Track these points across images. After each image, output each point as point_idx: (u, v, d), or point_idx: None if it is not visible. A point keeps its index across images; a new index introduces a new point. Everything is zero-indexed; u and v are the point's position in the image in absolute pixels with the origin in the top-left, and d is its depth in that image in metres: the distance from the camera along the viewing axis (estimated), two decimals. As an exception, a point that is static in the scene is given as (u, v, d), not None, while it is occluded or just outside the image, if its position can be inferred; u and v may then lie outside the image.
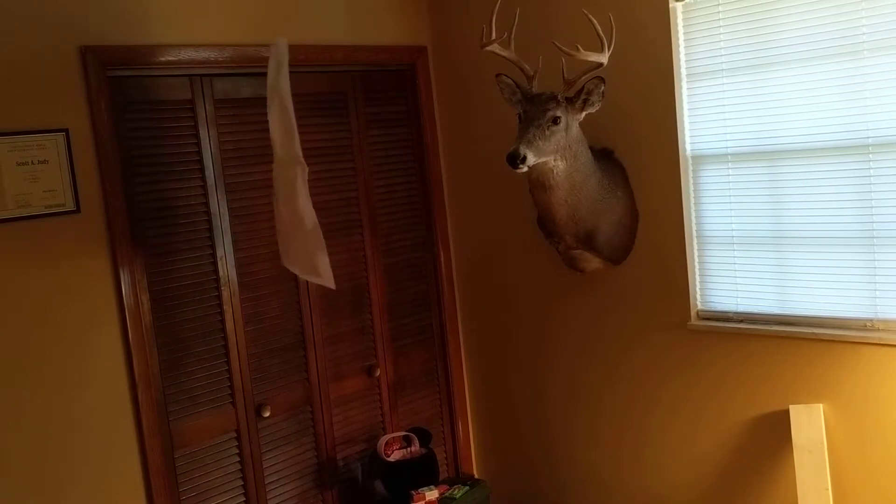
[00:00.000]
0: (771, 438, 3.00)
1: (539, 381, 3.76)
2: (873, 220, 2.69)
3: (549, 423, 3.75)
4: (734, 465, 3.13)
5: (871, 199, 2.69)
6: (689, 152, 3.09)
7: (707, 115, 3.02)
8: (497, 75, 2.91)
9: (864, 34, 2.62)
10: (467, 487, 3.46)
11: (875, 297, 2.73)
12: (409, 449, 3.54)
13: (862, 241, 2.73)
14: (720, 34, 2.94)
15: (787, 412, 2.91)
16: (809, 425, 2.85)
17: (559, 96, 2.82)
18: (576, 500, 3.71)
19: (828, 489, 2.80)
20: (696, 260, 3.15)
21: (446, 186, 3.93)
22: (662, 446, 3.35)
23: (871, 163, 2.67)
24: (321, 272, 2.76)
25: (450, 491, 3.42)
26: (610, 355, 3.45)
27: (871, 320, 2.74)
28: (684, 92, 3.06)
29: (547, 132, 2.77)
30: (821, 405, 2.85)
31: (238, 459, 3.23)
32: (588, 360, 3.53)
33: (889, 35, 2.57)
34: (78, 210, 2.79)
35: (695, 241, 3.14)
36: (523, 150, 2.71)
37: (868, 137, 2.66)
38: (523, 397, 3.84)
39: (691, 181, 3.11)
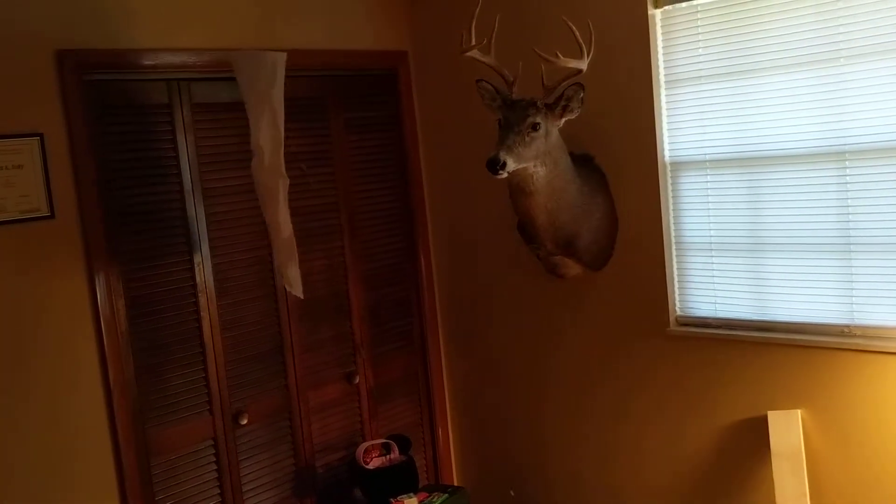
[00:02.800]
0: (749, 444, 3.01)
1: (519, 387, 3.75)
2: (850, 227, 2.71)
3: (530, 429, 3.75)
4: (713, 470, 3.14)
5: (848, 206, 2.70)
6: (667, 159, 3.10)
7: (686, 121, 3.04)
8: (477, 81, 2.91)
9: (841, 42, 2.64)
10: (447, 495, 3.44)
11: (852, 304, 2.75)
12: (388, 456, 3.52)
13: (839, 247, 2.75)
14: (699, 41, 2.95)
15: (765, 418, 2.92)
16: (788, 431, 2.86)
17: (539, 102, 2.81)
18: (556, 507, 3.71)
19: (806, 495, 2.81)
20: (675, 266, 3.15)
21: (427, 192, 3.92)
22: (642, 452, 3.35)
23: (847, 170, 2.69)
24: (291, 282, 2.83)
25: (429, 498, 3.41)
26: (590, 361, 3.45)
27: (847, 326, 2.76)
28: (663, 98, 3.07)
29: (527, 138, 2.77)
30: (799, 411, 2.86)
31: (215, 467, 3.19)
32: (568, 365, 3.53)
33: (866, 43, 2.59)
34: (52, 216, 2.75)
35: (673, 247, 3.15)
36: (503, 156, 2.71)
37: (845, 145, 2.68)
38: (504, 404, 3.83)
39: (670, 188, 3.12)
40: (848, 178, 2.69)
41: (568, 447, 3.61)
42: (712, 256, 3.06)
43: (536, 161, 2.83)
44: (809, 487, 2.83)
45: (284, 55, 2.70)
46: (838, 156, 2.70)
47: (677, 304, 3.17)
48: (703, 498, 3.18)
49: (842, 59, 2.65)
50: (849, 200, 2.70)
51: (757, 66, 2.82)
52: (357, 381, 3.66)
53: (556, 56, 2.70)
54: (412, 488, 3.44)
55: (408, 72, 3.82)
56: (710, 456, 3.14)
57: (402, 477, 3.46)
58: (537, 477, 3.75)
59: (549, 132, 2.85)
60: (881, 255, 2.67)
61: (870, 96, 2.61)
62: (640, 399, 3.31)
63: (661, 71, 3.05)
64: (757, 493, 3.00)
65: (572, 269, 3.32)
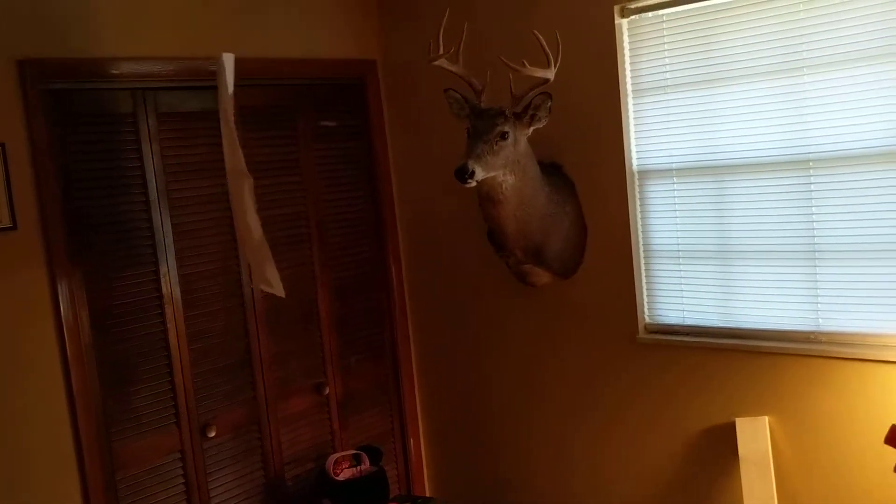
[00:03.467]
0: (718, 450, 3.02)
1: (491, 396, 3.74)
2: (814, 234, 2.74)
3: (501, 438, 3.74)
4: (682, 476, 3.15)
5: (812, 214, 2.74)
6: (635, 167, 3.12)
7: (652, 130, 3.06)
8: (445, 90, 2.91)
9: (804, 52, 2.67)
10: (418, 505, 3.43)
11: (817, 310, 2.78)
12: (358, 468, 3.49)
13: (804, 254, 2.78)
14: (665, 51, 2.97)
15: (733, 424, 2.94)
16: (755, 437, 2.88)
17: (507, 111, 2.82)
18: (527, 516, 3.70)
19: (774, 500, 2.83)
20: (644, 274, 3.17)
21: (397, 200, 3.91)
22: (612, 459, 3.36)
23: (811, 178, 2.72)
24: (272, 282, 2.81)
25: (400, 509, 3.39)
26: (561, 369, 3.45)
27: (813, 333, 2.79)
28: (630, 107, 3.09)
29: (495, 147, 2.77)
30: (766, 417, 2.88)
31: (183, 481, 3.15)
32: (539, 374, 3.53)
33: (827, 53, 2.63)
34: (14, 226, 2.70)
35: (642, 255, 3.16)
36: (472, 164, 2.71)
37: (809, 153, 2.71)
38: (476, 413, 3.82)
39: (638, 196, 3.14)
40: (812, 185, 2.72)
41: (539, 455, 3.60)
42: (680, 264, 3.08)
43: (505, 170, 2.84)
44: (777, 493, 2.85)
45: (231, 55, 2.68)
46: (802, 164, 2.73)
47: (646, 311, 3.18)
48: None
49: (805, 69, 2.68)
50: (813, 208, 2.73)
51: (722, 75, 2.85)
52: (326, 391, 3.64)
53: (523, 65, 2.71)
54: (383, 499, 3.42)
55: (376, 80, 3.81)
56: (679, 462, 3.15)
57: (372, 488, 3.43)
58: (508, 486, 3.74)
59: (518, 141, 2.86)
60: (845, 262, 2.70)
61: (832, 105, 2.64)
62: (611, 406, 3.31)
63: (629, 80, 3.07)
64: (725, 498, 3.02)
65: (542, 277, 3.33)
